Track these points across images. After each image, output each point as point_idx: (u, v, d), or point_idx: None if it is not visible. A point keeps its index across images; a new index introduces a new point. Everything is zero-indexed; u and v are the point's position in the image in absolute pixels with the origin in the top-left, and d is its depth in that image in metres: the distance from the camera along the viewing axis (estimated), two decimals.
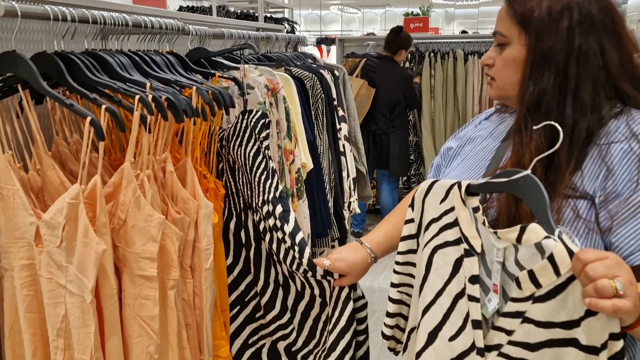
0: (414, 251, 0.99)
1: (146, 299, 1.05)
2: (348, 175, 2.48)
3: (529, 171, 0.77)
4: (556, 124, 0.79)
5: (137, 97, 0.99)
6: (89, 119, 0.90)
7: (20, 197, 0.98)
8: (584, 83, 0.86)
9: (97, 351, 1.01)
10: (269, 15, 6.14)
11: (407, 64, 4.51)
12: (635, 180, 0.80)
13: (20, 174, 1.03)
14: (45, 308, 1.02)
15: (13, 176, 0.98)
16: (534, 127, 0.84)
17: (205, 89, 1.22)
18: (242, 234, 1.39)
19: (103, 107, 0.94)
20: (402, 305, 1.06)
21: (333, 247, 2.50)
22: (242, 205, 1.41)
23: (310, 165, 1.75)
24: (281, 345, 1.33)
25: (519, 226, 0.77)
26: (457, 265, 0.87)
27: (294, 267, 1.20)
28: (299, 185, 1.64)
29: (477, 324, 0.83)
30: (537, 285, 0.73)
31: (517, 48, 0.91)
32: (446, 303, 0.88)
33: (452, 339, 0.85)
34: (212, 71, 1.50)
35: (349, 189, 2.51)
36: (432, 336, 0.88)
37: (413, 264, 1.00)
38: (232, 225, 1.40)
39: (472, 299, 0.84)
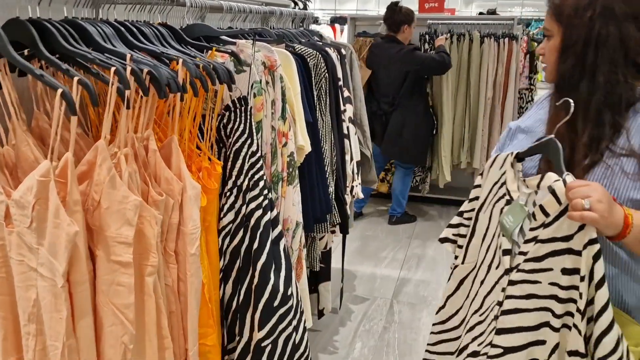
0: (474, 210, 1.23)
1: (121, 285, 0.99)
2: (352, 159, 2.40)
3: (552, 136, 1.03)
4: (569, 100, 1.00)
5: (112, 69, 0.91)
6: (59, 91, 0.83)
7: None
8: (601, 65, 1.03)
9: (69, 338, 0.96)
10: None
11: (426, 46, 4.36)
12: None
13: None
14: (16, 291, 0.96)
15: None
16: (556, 104, 1.06)
17: (193, 63, 1.14)
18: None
19: (75, 79, 0.87)
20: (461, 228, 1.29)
21: (333, 232, 2.43)
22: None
23: (308, 148, 1.67)
24: None
25: (539, 175, 1.04)
26: (501, 212, 1.13)
27: None
28: (291, 169, 1.56)
29: (506, 252, 1.09)
30: (546, 214, 0.99)
31: (556, 39, 1.11)
32: (491, 242, 1.16)
33: (495, 266, 1.13)
34: (209, 45, 1.42)
35: (352, 172, 2.43)
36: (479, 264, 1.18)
37: (470, 218, 1.25)
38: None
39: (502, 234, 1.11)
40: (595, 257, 0.94)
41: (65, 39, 0.96)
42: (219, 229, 1.45)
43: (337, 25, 7.68)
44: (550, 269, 0.99)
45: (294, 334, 1.53)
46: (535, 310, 1.02)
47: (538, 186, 1.04)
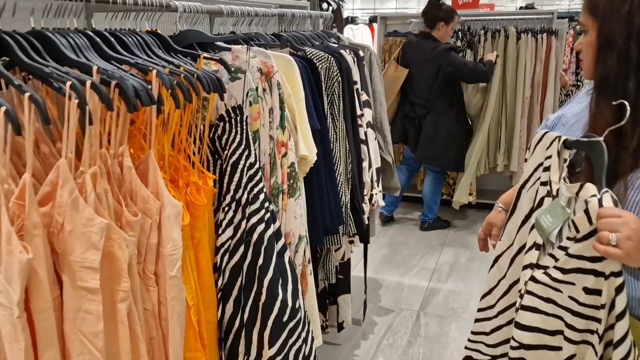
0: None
1: (88, 312, 0.93)
2: (370, 166, 2.29)
3: (601, 138, 0.96)
4: (625, 102, 0.94)
5: (68, 83, 0.85)
6: (3, 109, 0.77)
7: None
8: None
9: None
10: None
11: (459, 43, 4.18)
12: None
13: None
14: None
15: None
16: (613, 103, 0.97)
17: (173, 73, 1.07)
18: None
19: (26, 95, 0.81)
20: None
21: (352, 242, 2.33)
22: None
23: (313, 158, 1.57)
24: None
25: (579, 183, 0.99)
26: (540, 202, 1.10)
27: None
28: (292, 181, 1.47)
29: (537, 247, 1.08)
30: (577, 230, 0.97)
31: (592, 34, 1.04)
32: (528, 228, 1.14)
33: (525, 250, 1.13)
34: (199, 52, 1.35)
35: (371, 180, 2.32)
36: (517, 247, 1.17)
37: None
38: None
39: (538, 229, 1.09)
40: (618, 290, 0.93)
41: (24, 52, 0.90)
42: (217, 246, 1.38)
43: (375, 25, 7.54)
44: (573, 284, 0.99)
45: (304, 346, 1.46)
46: (553, 316, 1.04)
47: (577, 194, 1.00)
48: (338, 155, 1.97)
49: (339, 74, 1.97)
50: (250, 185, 1.37)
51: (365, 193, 2.26)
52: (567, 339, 1.01)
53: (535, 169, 1.13)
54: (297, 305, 1.42)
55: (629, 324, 0.92)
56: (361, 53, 2.31)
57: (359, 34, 7.20)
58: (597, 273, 0.95)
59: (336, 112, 1.98)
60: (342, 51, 2.11)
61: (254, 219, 1.37)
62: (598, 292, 0.95)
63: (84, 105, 0.87)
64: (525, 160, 1.18)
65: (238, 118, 1.36)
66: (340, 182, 1.96)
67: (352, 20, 7.41)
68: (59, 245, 0.93)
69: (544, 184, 1.10)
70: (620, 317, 0.92)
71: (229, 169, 1.36)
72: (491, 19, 4.22)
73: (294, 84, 1.57)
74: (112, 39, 1.11)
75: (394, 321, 2.77)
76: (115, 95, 0.97)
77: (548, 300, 1.03)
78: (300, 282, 1.57)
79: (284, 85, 1.51)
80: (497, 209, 1.37)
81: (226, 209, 1.37)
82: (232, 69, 1.38)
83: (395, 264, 3.45)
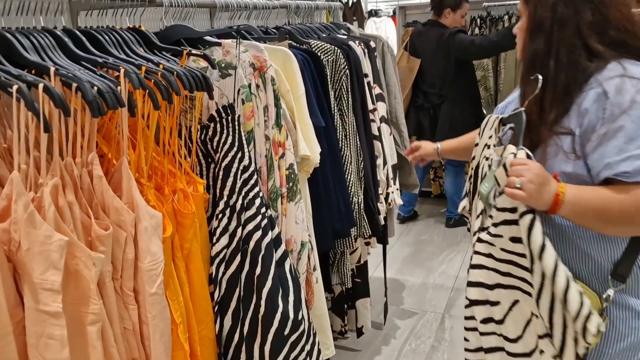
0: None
1: (51, 338, 0.85)
2: (385, 163, 2.16)
3: (522, 108, 1.11)
4: (539, 76, 1.08)
5: (14, 87, 0.76)
6: None
7: None
8: (562, 46, 1.09)
9: None
10: None
11: (477, 30, 3.99)
12: (601, 117, 1.03)
13: None
14: None
15: None
16: (531, 78, 1.11)
17: (135, 72, 0.98)
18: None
19: None
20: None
21: (368, 244, 2.21)
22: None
23: (315, 158, 1.47)
24: None
25: (504, 146, 1.11)
26: (484, 176, 1.20)
27: None
28: (291, 184, 1.36)
29: (482, 213, 1.18)
30: (499, 185, 1.09)
31: (524, 20, 1.17)
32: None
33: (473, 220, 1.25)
34: (187, 49, 1.25)
35: (387, 178, 2.20)
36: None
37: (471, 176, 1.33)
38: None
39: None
40: (530, 228, 1.03)
41: None
42: (212, 256, 1.29)
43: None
44: (501, 236, 1.09)
45: (308, 359, 1.36)
46: (493, 270, 1.12)
47: (501, 156, 1.11)
48: (348, 153, 1.85)
49: (346, 67, 1.85)
50: (245, 189, 1.27)
51: (380, 192, 2.14)
52: (503, 286, 1.11)
53: (483, 150, 1.25)
54: (299, 317, 1.32)
55: (553, 256, 1.01)
56: (372, 44, 2.18)
57: (382, 27, 7.03)
58: (517, 222, 1.05)
59: (345, 108, 1.86)
60: (350, 43, 1.99)
61: (250, 226, 1.27)
62: (521, 240, 1.05)
63: (36, 111, 0.78)
64: (476, 144, 1.27)
65: (229, 118, 1.26)
66: (351, 182, 1.85)
67: (375, 13, 7.26)
68: (19, 266, 0.85)
69: (487, 159, 1.21)
70: (541, 252, 1.01)
71: (221, 173, 1.27)
72: (516, 3, 4.00)
73: (292, 79, 1.46)
74: (83, 38, 1.03)
75: (417, 324, 2.63)
76: (78, 99, 0.88)
77: (488, 255, 1.13)
78: (305, 292, 1.47)
79: (281, 80, 1.41)
80: (436, 145, 1.63)
81: (220, 216, 1.28)
82: (223, 65, 1.28)
83: (419, 264, 3.31)
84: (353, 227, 1.81)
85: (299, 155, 1.41)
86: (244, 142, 1.28)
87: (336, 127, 1.80)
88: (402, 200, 2.43)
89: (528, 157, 1.06)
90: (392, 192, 2.27)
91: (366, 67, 2.10)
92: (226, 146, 1.26)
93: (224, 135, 1.26)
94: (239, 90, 1.28)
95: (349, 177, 1.84)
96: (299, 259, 1.39)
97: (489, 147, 1.21)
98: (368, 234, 1.98)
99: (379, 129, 2.13)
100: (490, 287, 1.13)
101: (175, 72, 1.09)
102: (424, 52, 3.52)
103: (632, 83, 1.03)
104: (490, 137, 1.21)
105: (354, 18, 6.21)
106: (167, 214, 1.15)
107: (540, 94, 1.08)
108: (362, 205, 1.94)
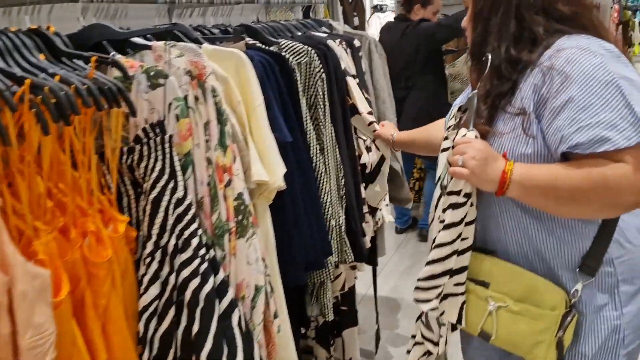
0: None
1: None
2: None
3: (475, 91, 1.12)
4: (489, 55, 1.09)
5: None
6: None
7: None
8: (501, 30, 1.08)
9: None
10: None
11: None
12: (551, 90, 1.00)
13: None
14: None
15: None
16: (472, 64, 1.17)
17: (7, 89, 0.74)
18: None
19: None
20: None
21: (354, 267, 1.96)
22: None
23: (276, 182, 1.22)
24: None
25: (457, 130, 1.15)
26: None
27: None
28: (241, 217, 1.11)
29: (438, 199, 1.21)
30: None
31: (470, 9, 1.18)
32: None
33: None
34: (91, 54, 1.01)
35: (375, 192, 1.94)
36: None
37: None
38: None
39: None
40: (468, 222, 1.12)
41: None
42: (140, 310, 1.04)
43: None
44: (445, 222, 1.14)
45: None
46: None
47: (453, 140, 1.11)
48: (324, 170, 1.60)
49: (322, 70, 1.60)
50: (178, 227, 1.03)
51: (367, 210, 1.89)
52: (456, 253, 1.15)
53: (444, 141, 1.23)
54: None
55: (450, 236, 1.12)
56: (357, 43, 1.93)
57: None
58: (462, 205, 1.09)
59: (322, 116, 1.61)
60: (329, 42, 1.74)
61: (185, 272, 1.03)
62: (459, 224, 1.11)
63: None
64: (446, 138, 1.23)
65: (158, 139, 1.02)
66: (328, 202, 1.60)
67: (380, 8, 7.02)
68: None
69: (445, 150, 1.21)
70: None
71: (149, 207, 1.02)
72: None
73: (247, 87, 1.21)
74: None
75: None
76: None
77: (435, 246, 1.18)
78: (265, 344, 1.22)
79: (230, 90, 1.16)
80: (391, 132, 1.72)
81: (148, 260, 1.03)
82: (152, 73, 1.04)
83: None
84: (330, 256, 1.56)
85: (251, 181, 1.16)
86: (177, 168, 1.03)
87: (310, 140, 1.55)
88: (393, 213, 2.19)
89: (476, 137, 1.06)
90: (382, 208, 2.02)
91: (353, 68, 1.85)
92: (154, 174, 1.02)
93: (152, 161, 1.02)
94: (170, 104, 1.03)
95: (325, 197, 1.59)
96: (253, 308, 1.15)
97: (447, 138, 1.20)
98: (351, 259, 1.73)
99: (364, 139, 1.87)
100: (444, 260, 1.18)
101: (74, 86, 0.85)
102: (391, 46, 3.26)
103: (579, 53, 0.98)
104: (450, 127, 1.20)
105: (355, 14, 5.94)
106: (74, 263, 0.91)
107: (489, 75, 1.07)
108: (342, 227, 1.69)
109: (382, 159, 1.90)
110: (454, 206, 1.10)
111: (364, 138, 1.89)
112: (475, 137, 1.06)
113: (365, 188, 1.89)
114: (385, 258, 2.37)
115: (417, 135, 1.67)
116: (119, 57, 1.06)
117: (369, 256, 2.02)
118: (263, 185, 1.21)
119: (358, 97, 1.78)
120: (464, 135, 1.07)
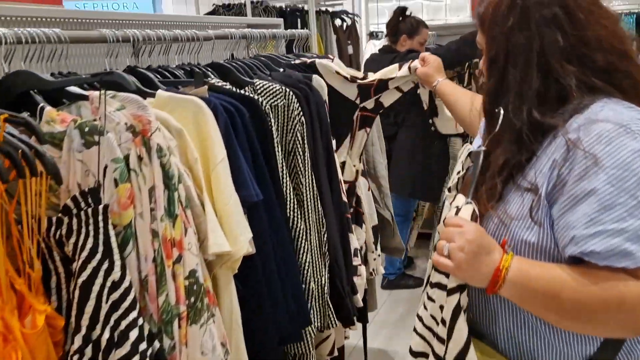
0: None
1: None
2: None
3: (483, 148, 0.92)
4: (501, 109, 0.88)
5: None
6: None
7: None
8: (522, 87, 0.87)
9: None
10: (324, 9, 5.43)
11: None
12: (573, 172, 0.80)
13: None
14: None
15: None
16: (484, 119, 0.97)
17: None
18: None
19: None
20: None
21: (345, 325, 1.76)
22: None
23: (240, 250, 1.03)
24: None
25: (454, 193, 0.98)
26: None
27: None
28: (194, 299, 0.93)
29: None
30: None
31: (484, 53, 0.97)
32: None
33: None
34: (38, 103, 0.84)
35: (365, 242, 1.76)
36: None
37: None
38: None
39: None
40: (455, 313, 0.89)
41: None
42: None
43: None
44: (433, 300, 0.96)
45: None
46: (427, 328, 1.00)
47: (450, 204, 0.97)
48: (303, 226, 1.42)
49: (301, 113, 1.43)
50: (114, 317, 0.84)
51: (358, 262, 1.70)
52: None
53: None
54: None
55: None
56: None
57: None
58: (441, 286, 0.93)
59: (300, 165, 1.44)
60: (313, 81, 1.58)
61: None
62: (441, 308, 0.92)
63: None
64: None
65: (89, 210, 0.84)
66: (307, 262, 1.41)
67: (376, 35, 6.96)
68: None
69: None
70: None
71: (77, 293, 0.84)
72: None
73: (206, 141, 1.04)
74: None
75: None
76: None
77: (420, 318, 1.01)
78: None
79: (184, 145, 0.99)
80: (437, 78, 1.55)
81: (76, 357, 0.84)
82: (87, 129, 0.86)
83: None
84: (308, 325, 1.37)
85: (209, 253, 0.98)
86: (113, 245, 0.85)
87: (286, 194, 1.37)
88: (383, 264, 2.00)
89: (473, 215, 0.87)
90: (374, 259, 1.84)
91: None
92: (84, 252, 0.84)
93: (82, 237, 0.84)
94: (106, 166, 0.86)
95: (304, 257, 1.41)
96: None
97: (449, 190, 1.04)
98: (335, 325, 1.54)
99: (353, 184, 1.70)
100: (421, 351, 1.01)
101: None
102: None
103: (617, 131, 0.78)
104: (458, 172, 1.04)
105: (349, 42, 5.85)
106: None
107: (499, 134, 0.88)
108: (325, 289, 1.50)
109: None
110: (441, 287, 0.93)
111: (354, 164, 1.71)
112: (473, 211, 0.87)
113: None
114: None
115: (460, 97, 1.49)
116: (49, 110, 0.89)
117: (359, 311, 1.83)
118: (225, 255, 1.02)
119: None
120: (458, 210, 0.89)
